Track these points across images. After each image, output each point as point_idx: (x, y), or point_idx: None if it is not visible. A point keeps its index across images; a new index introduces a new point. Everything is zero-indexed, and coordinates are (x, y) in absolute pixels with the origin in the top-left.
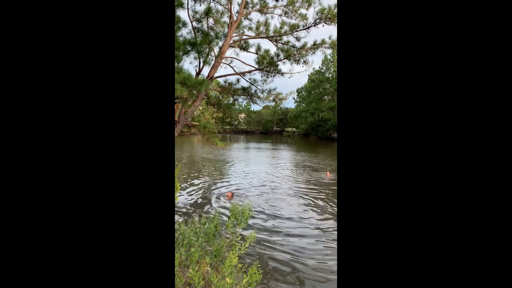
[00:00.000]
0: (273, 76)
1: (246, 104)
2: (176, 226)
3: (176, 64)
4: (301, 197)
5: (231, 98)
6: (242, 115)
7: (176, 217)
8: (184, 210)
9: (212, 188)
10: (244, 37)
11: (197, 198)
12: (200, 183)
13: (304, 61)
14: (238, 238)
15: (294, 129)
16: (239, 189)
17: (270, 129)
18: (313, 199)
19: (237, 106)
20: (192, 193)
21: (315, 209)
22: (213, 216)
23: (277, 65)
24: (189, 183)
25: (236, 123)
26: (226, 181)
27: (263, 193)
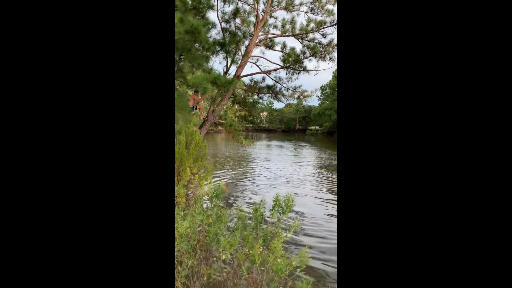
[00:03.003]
0: (298, 73)
1: (268, 102)
2: (232, 213)
3: (205, 64)
4: (318, 197)
5: (256, 96)
6: (264, 113)
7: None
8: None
9: (239, 181)
10: (270, 35)
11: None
12: (229, 176)
13: (330, 58)
14: (283, 226)
15: (317, 127)
16: (257, 184)
17: (292, 127)
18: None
19: (259, 105)
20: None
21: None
22: (258, 204)
23: (302, 63)
24: (223, 174)
25: (258, 121)
26: (249, 176)
27: (281, 187)
